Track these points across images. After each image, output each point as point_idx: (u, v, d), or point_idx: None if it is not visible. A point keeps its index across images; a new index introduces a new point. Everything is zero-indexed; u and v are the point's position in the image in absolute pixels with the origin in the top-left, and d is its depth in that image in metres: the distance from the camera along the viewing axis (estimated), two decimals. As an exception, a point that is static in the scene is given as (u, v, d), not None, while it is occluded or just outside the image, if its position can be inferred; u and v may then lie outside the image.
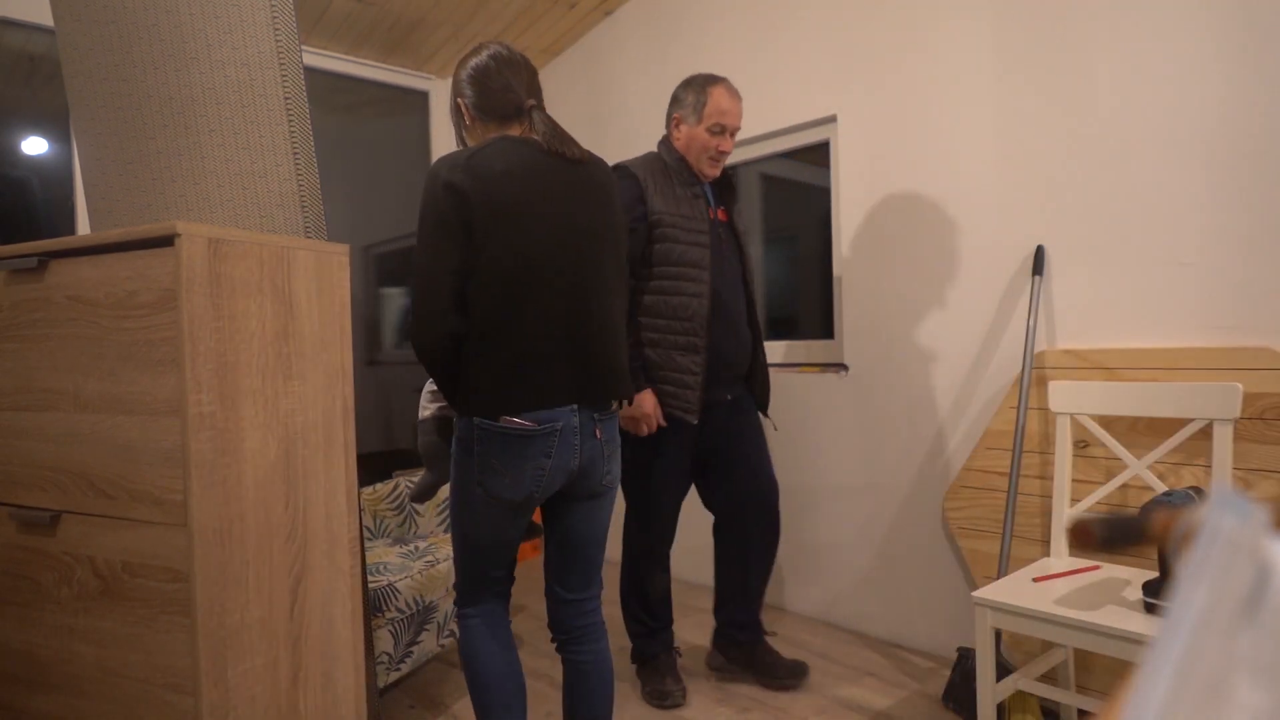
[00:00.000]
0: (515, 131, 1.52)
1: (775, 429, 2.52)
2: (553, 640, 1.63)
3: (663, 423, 2.11)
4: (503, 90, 1.50)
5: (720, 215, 2.24)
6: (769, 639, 2.37)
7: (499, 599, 1.58)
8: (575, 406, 1.45)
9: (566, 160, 1.49)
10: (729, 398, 2.23)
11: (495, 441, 1.41)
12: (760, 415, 2.40)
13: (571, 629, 1.60)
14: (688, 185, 2.15)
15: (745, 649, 2.31)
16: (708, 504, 2.36)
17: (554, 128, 1.50)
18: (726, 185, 2.30)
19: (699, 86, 2.15)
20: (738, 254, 2.25)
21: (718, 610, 2.37)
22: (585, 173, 1.51)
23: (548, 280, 1.42)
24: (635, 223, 2.09)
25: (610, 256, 1.52)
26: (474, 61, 1.51)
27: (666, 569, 2.31)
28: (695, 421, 2.10)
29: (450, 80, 3.91)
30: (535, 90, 1.54)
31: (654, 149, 3.53)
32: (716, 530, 2.36)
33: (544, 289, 1.42)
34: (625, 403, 1.67)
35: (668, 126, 2.22)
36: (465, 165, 1.40)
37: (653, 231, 2.10)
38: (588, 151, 1.54)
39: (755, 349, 2.30)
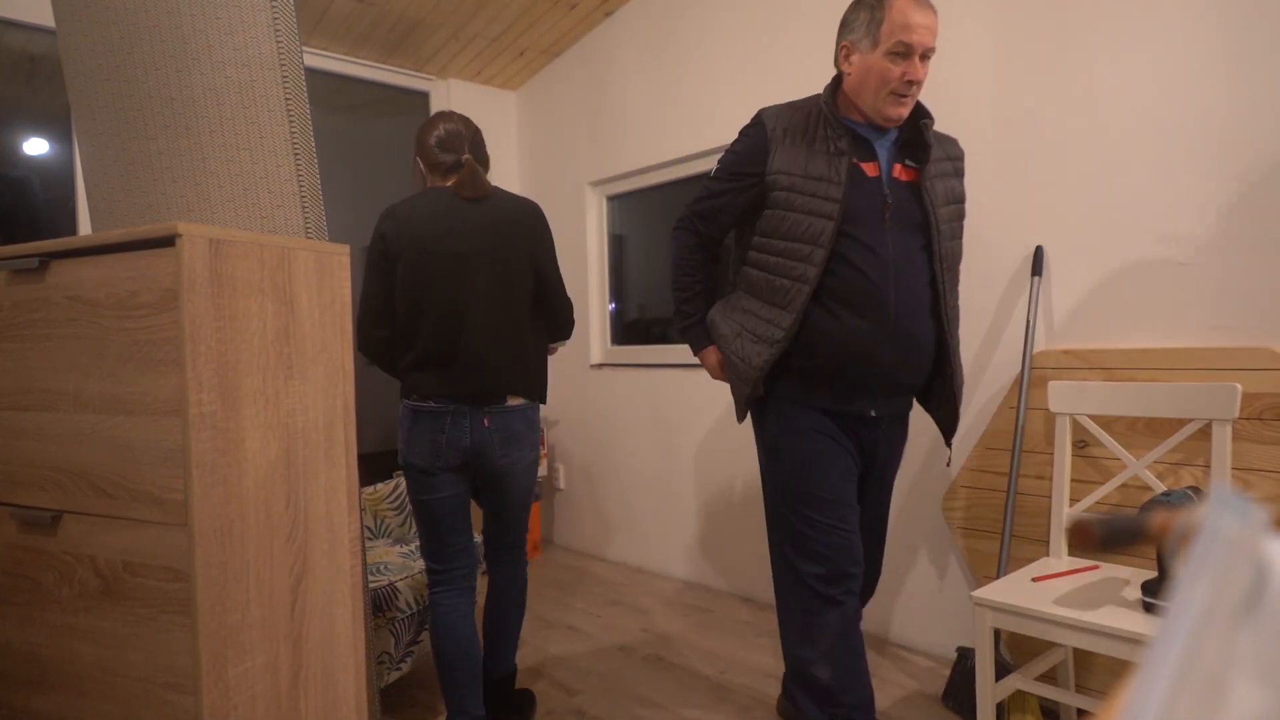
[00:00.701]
0: (451, 181, 1.90)
1: (949, 464, 2.02)
2: (483, 571, 2.10)
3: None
4: (447, 153, 1.89)
5: (902, 173, 1.69)
6: None
7: (462, 579, 1.93)
8: (466, 399, 1.83)
9: (469, 201, 1.85)
10: (872, 414, 1.71)
11: (410, 418, 1.85)
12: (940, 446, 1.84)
13: (495, 559, 2.03)
14: (832, 138, 1.65)
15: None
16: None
17: (469, 176, 1.85)
18: (916, 134, 1.72)
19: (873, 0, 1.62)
20: (921, 227, 1.68)
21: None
22: (485, 209, 1.86)
23: (435, 300, 1.81)
24: (736, 179, 1.73)
25: (499, 280, 1.84)
26: (434, 133, 1.90)
27: (845, 607, 1.67)
28: (739, 421, 1.79)
29: (449, 81, 3.92)
30: (475, 146, 1.92)
31: (644, 158, 3.54)
32: None
33: (432, 308, 1.81)
34: (532, 399, 1.91)
35: (837, 63, 1.70)
36: (392, 213, 1.85)
37: (767, 195, 1.69)
38: (492, 190, 1.88)
39: (939, 357, 1.73)
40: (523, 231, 1.88)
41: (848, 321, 1.63)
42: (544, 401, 1.98)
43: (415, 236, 1.81)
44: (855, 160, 1.66)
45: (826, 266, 1.63)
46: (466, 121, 1.94)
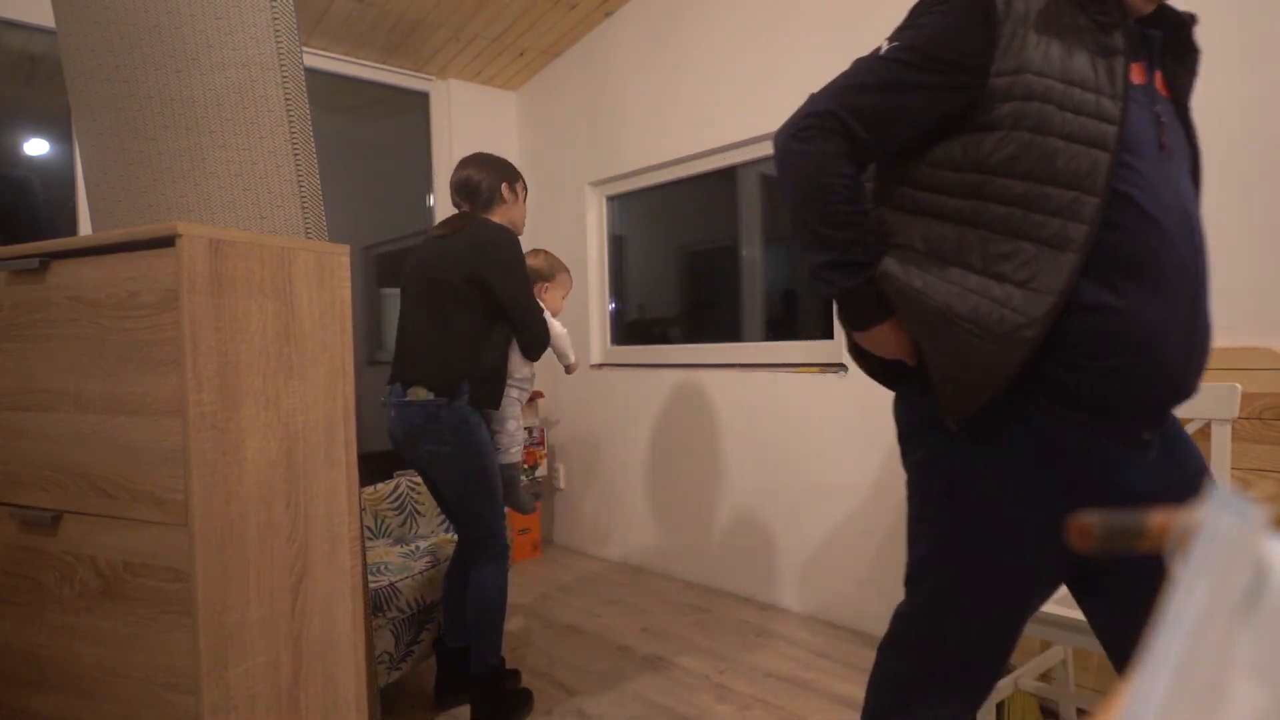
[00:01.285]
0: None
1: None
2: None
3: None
4: (456, 203, 2.24)
5: (1161, 85, 1.13)
6: None
7: (460, 534, 2.24)
8: (397, 385, 2.10)
9: (439, 237, 2.15)
10: (1146, 436, 1.10)
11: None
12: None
13: (465, 548, 2.20)
14: (1095, 29, 1.04)
15: None
16: (1103, 640, 1.19)
17: (454, 218, 2.19)
18: (1178, 30, 1.14)
19: None
20: (1188, 159, 1.15)
21: None
22: (452, 241, 2.12)
23: (403, 310, 2.19)
24: (940, 70, 1.06)
25: (441, 294, 2.08)
26: (452, 184, 2.24)
27: None
28: (955, 426, 1.10)
29: (449, 81, 3.93)
30: (485, 177, 2.19)
31: (644, 158, 3.56)
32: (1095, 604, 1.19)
33: (403, 316, 2.18)
34: (440, 394, 2.03)
35: None
36: None
37: (988, 109, 1.05)
38: (471, 223, 2.12)
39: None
40: (473, 256, 2.09)
41: (1134, 300, 1.03)
42: (471, 403, 2.05)
43: (408, 264, 2.22)
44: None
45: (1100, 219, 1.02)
46: (484, 165, 2.21)
